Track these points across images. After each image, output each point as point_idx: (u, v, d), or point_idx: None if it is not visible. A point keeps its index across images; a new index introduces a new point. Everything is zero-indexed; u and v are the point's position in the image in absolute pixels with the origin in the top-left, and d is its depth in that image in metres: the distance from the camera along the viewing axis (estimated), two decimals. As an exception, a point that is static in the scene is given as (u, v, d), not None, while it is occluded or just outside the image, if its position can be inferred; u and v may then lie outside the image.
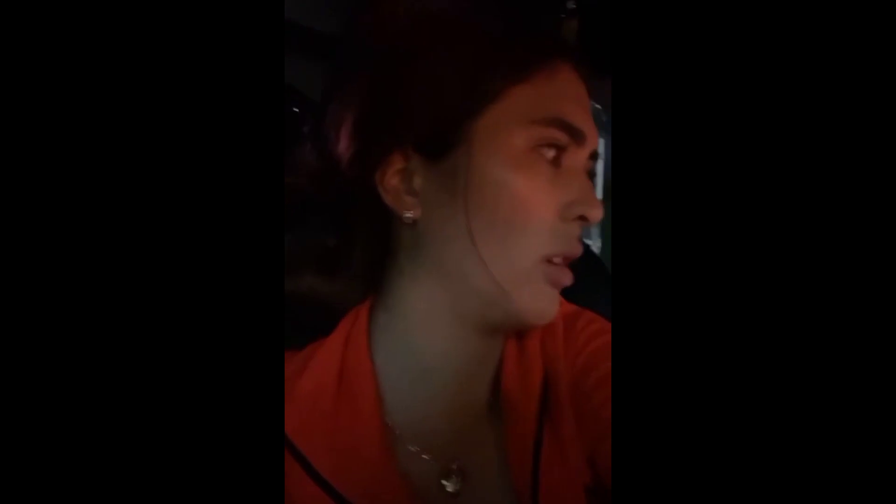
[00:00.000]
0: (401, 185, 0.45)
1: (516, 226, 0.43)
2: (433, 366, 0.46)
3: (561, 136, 0.44)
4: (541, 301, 0.45)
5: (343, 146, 0.45)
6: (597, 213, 0.45)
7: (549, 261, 0.44)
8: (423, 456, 0.46)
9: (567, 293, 0.49)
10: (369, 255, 0.48)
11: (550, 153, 0.44)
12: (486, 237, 0.43)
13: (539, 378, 0.48)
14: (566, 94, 0.45)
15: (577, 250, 0.46)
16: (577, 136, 0.45)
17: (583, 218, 0.45)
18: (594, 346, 0.48)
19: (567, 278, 0.46)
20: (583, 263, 0.48)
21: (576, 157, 0.46)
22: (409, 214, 0.45)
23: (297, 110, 0.82)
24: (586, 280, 0.51)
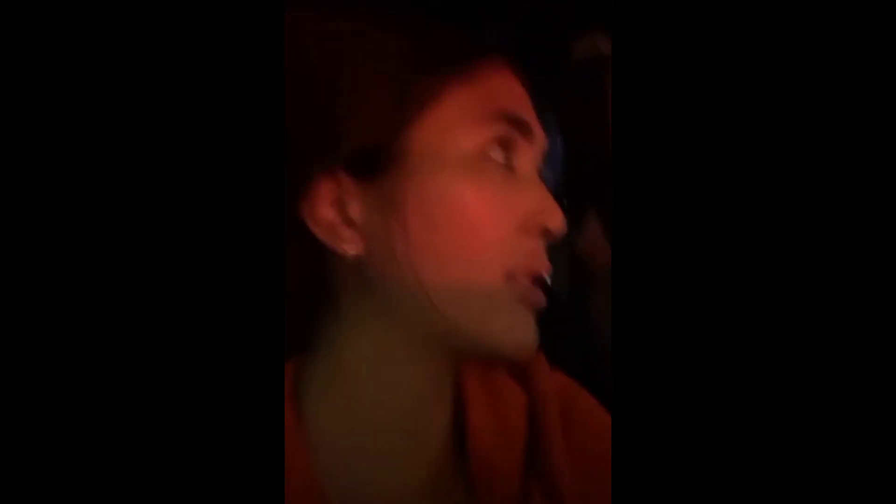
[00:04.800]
0: (335, 216, 0.38)
1: (467, 245, 0.37)
2: (381, 422, 0.40)
3: (510, 132, 0.39)
4: (517, 332, 0.39)
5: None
6: (559, 225, 0.39)
7: (512, 279, 0.38)
8: None
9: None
10: (301, 306, 0.41)
11: (500, 154, 0.39)
12: (440, 265, 0.37)
13: (521, 438, 0.42)
14: (507, 89, 0.40)
15: (543, 267, 0.40)
16: (526, 131, 0.39)
17: (546, 231, 0.39)
18: (594, 438, 0.43)
19: (540, 299, 0.39)
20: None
21: (527, 159, 0.40)
22: (351, 252, 0.38)
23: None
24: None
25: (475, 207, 0.37)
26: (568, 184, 0.42)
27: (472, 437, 0.42)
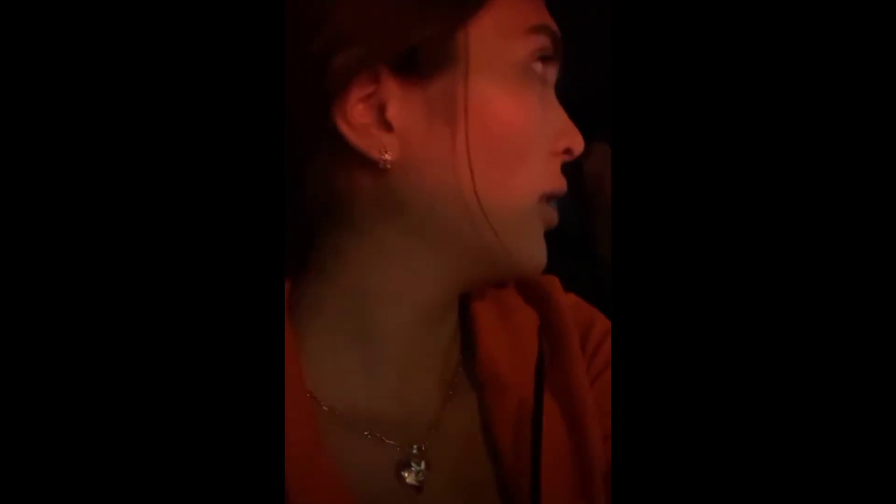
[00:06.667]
0: (372, 118, 0.35)
1: (519, 160, 0.37)
2: (386, 339, 0.39)
3: (548, 47, 0.38)
4: (537, 248, 0.39)
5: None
6: (580, 146, 0.39)
7: (543, 199, 0.39)
8: (370, 435, 0.39)
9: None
10: (312, 217, 0.39)
11: (540, 69, 0.38)
12: (488, 177, 0.36)
13: (534, 353, 0.41)
14: (541, 3, 0.39)
15: (563, 187, 0.40)
16: (558, 49, 0.38)
17: (568, 151, 0.39)
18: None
19: (554, 218, 0.40)
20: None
21: (551, 78, 0.39)
22: (386, 157, 0.35)
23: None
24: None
25: (525, 121, 0.37)
26: (576, 107, 0.40)
27: (481, 352, 0.42)
